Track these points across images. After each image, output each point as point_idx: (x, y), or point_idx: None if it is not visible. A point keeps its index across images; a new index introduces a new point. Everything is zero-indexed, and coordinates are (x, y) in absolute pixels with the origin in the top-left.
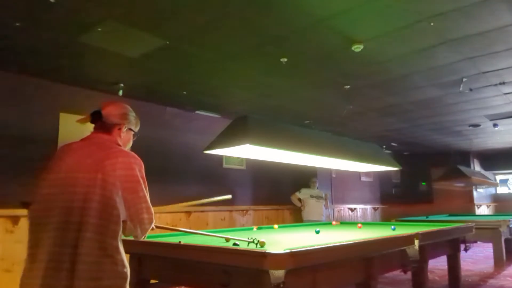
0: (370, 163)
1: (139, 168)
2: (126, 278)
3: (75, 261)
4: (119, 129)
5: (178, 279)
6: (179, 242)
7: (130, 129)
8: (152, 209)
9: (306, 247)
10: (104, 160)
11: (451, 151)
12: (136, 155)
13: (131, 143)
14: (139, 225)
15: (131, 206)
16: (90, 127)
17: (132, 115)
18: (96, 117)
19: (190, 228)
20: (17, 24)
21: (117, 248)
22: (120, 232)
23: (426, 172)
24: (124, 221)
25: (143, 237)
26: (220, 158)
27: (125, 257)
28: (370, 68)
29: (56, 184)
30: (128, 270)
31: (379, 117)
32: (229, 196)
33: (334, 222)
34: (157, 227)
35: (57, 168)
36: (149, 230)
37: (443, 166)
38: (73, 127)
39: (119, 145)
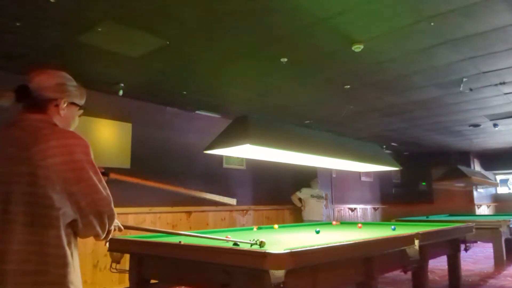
0: (370, 163)
1: (83, 151)
2: None
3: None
4: (57, 105)
5: (178, 279)
6: (179, 242)
7: (73, 103)
8: (111, 201)
9: (306, 247)
10: (31, 147)
11: (451, 151)
12: (78, 135)
13: (76, 121)
14: (98, 221)
15: (80, 200)
16: (94, 124)
17: (71, 85)
18: (22, 94)
19: (190, 228)
20: (17, 24)
21: (64, 257)
22: (70, 238)
23: (426, 172)
24: (74, 221)
25: (107, 236)
26: (220, 158)
27: (77, 270)
28: (370, 68)
29: None
30: (72, 285)
31: (379, 117)
32: (233, 201)
33: (334, 222)
34: (126, 227)
35: None
36: (113, 228)
37: (443, 166)
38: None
39: (55, 125)
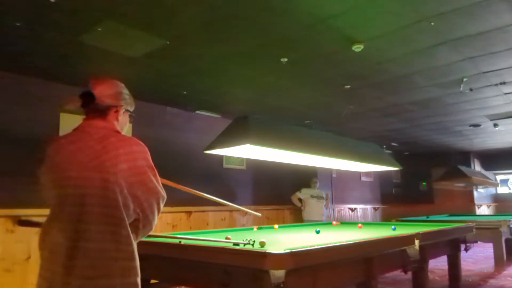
0: (371, 163)
1: (144, 156)
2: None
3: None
4: (116, 111)
5: (179, 279)
6: (180, 242)
7: (127, 110)
8: (165, 198)
9: (307, 247)
10: (102, 155)
11: (452, 151)
12: (138, 140)
13: (127, 126)
14: (154, 218)
15: (143, 202)
16: None
17: (126, 93)
18: (88, 100)
19: (190, 228)
20: (17, 24)
21: (133, 253)
22: (133, 235)
23: (427, 172)
24: (135, 220)
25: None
26: (220, 158)
27: (138, 264)
28: (370, 68)
29: (49, 187)
30: (139, 278)
31: (379, 117)
32: (258, 214)
33: (334, 222)
34: None
35: (48, 168)
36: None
37: (443, 166)
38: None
39: (118, 132)
